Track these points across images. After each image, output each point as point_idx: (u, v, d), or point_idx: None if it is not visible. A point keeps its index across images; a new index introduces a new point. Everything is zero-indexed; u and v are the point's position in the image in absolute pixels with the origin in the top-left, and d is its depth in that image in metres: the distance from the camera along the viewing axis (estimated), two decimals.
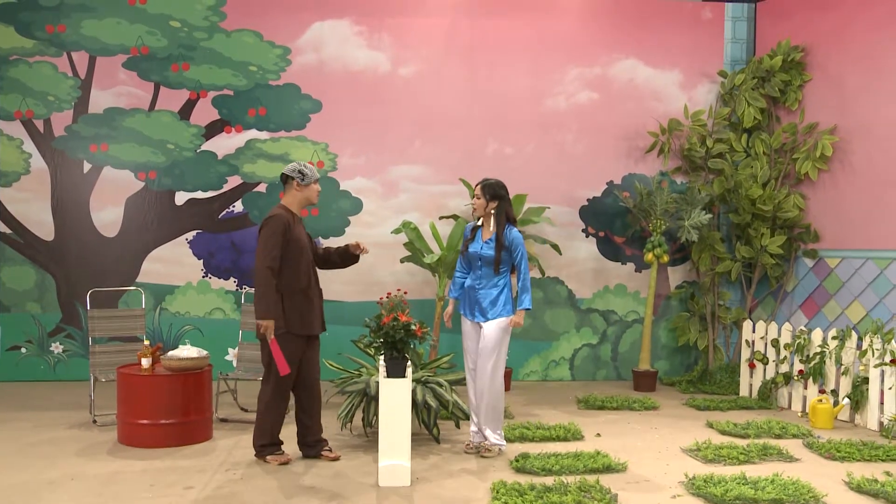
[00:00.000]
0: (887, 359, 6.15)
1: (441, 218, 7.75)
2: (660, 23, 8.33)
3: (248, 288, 7.62)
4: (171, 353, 5.55)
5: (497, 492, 4.37)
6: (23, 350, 7.77)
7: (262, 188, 7.99)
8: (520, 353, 8.12)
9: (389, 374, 4.61)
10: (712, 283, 8.19)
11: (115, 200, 7.87)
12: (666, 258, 7.81)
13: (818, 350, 6.68)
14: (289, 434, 5.24)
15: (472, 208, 5.33)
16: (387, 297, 4.91)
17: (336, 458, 5.10)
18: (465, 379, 5.40)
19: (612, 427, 6.17)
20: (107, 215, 7.87)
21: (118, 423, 5.51)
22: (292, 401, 5.15)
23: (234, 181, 7.98)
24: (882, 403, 6.20)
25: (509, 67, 8.21)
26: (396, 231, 7.40)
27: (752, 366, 7.43)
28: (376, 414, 5.30)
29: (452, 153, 8.13)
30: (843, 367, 6.49)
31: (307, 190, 5.08)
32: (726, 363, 8.09)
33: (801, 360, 6.87)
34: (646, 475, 4.87)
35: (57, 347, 7.80)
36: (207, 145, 7.95)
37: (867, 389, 6.30)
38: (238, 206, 7.99)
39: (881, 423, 6.17)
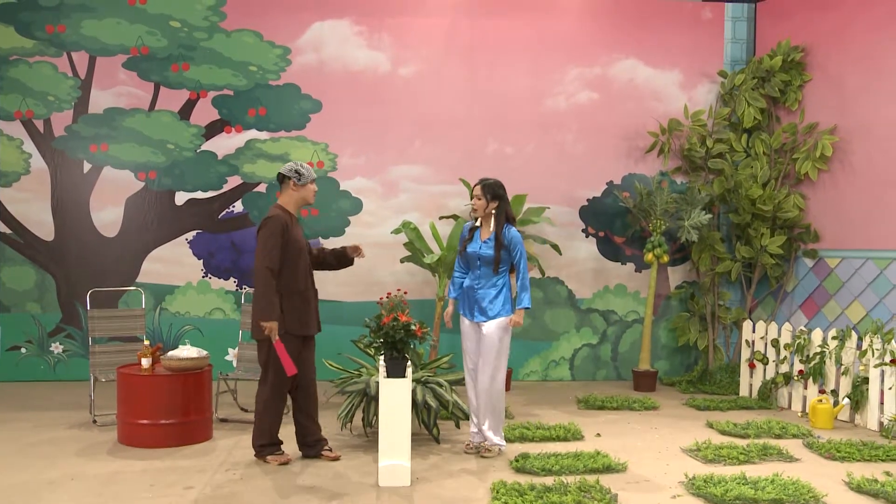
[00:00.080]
0: (887, 359, 6.15)
1: (441, 218, 7.75)
2: (660, 23, 8.33)
3: (248, 288, 7.62)
4: (170, 353, 5.55)
5: (497, 492, 4.37)
6: (23, 350, 7.77)
7: (262, 188, 7.99)
8: (520, 353, 8.12)
9: (389, 375, 4.61)
10: (712, 284, 8.19)
11: (115, 200, 7.87)
12: (666, 258, 7.81)
13: (818, 350, 6.69)
14: (288, 434, 5.24)
15: (471, 209, 5.32)
16: (387, 298, 4.91)
17: (336, 458, 5.10)
18: (464, 379, 5.40)
19: (612, 427, 6.17)
20: (107, 215, 7.87)
21: (118, 423, 5.52)
22: (289, 401, 5.15)
23: (234, 181, 7.98)
24: (882, 403, 6.20)
25: (509, 67, 8.21)
26: (396, 231, 7.40)
27: (752, 366, 7.43)
28: (376, 414, 5.30)
29: (452, 153, 8.13)
30: (843, 367, 6.49)
31: (304, 190, 5.07)
32: (726, 363, 8.09)
33: (801, 361, 6.87)
34: (646, 475, 4.87)
35: (57, 347, 7.80)
36: (207, 145, 7.95)
37: (867, 389, 6.30)
38: (238, 207, 7.99)
39: (881, 423, 6.17)
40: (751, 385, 7.45)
